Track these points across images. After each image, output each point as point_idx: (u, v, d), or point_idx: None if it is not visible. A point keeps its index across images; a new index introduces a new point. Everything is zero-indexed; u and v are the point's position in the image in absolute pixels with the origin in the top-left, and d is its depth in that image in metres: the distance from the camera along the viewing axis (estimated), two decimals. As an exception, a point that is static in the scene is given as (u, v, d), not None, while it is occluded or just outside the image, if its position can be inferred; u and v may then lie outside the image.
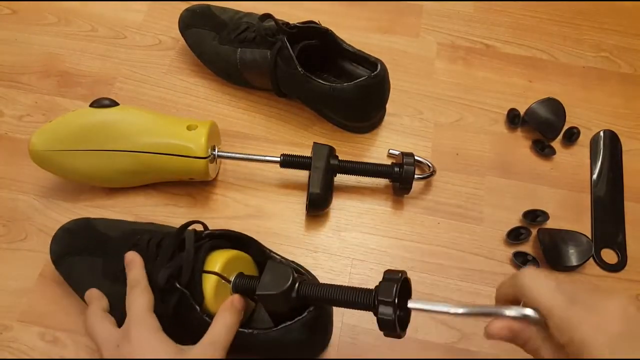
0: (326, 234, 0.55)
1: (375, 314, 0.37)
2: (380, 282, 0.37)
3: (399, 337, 0.37)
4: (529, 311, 0.33)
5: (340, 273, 0.53)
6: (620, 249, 0.55)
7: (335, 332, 0.49)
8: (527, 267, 0.36)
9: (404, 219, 0.56)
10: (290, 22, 0.57)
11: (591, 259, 0.54)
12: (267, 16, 0.58)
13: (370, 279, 0.52)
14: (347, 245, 0.54)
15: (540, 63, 0.68)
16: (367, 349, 0.49)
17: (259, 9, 0.62)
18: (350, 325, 0.49)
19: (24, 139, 0.60)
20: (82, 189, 0.56)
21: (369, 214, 0.56)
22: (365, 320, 0.49)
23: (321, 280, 0.46)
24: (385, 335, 0.38)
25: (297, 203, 0.57)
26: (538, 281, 0.34)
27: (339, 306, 0.40)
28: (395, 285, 0.36)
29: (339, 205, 0.57)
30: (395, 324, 0.36)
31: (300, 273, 0.45)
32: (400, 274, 0.37)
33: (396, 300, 0.36)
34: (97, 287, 0.46)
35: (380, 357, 0.48)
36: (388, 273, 0.38)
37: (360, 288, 0.39)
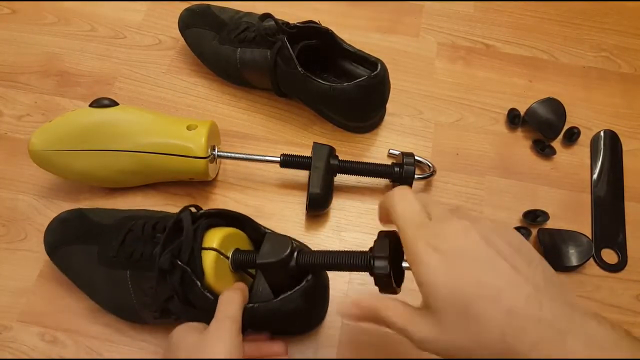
0: (326, 234, 0.55)
1: (372, 272, 0.37)
2: (374, 242, 0.38)
3: (395, 292, 0.38)
4: None
5: (341, 273, 0.52)
6: (621, 249, 0.55)
7: (335, 332, 0.49)
8: (399, 187, 0.37)
9: (404, 219, 0.56)
10: (290, 22, 0.57)
11: (591, 259, 0.54)
12: (267, 16, 0.58)
13: (370, 280, 0.52)
14: (347, 245, 0.54)
15: (541, 63, 0.68)
16: (367, 349, 0.48)
17: (259, 8, 0.62)
18: (351, 326, 0.49)
19: (23, 139, 0.60)
20: (82, 189, 0.56)
21: (369, 214, 0.56)
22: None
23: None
24: (381, 292, 0.38)
25: (297, 203, 0.57)
26: (404, 202, 0.35)
27: (338, 270, 0.41)
28: (389, 242, 0.37)
29: (339, 205, 0.57)
30: (390, 277, 0.36)
31: None
32: (393, 234, 0.38)
33: (389, 254, 0.36)
34: (93, 274, 0.46)
35: (380, 357, 0.48)
36: (381, 233, 0.39)
37: (356, 251, 0.40)
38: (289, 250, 0.40)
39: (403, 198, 0.35)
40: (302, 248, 0.45)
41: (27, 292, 0.51)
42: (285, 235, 0.43)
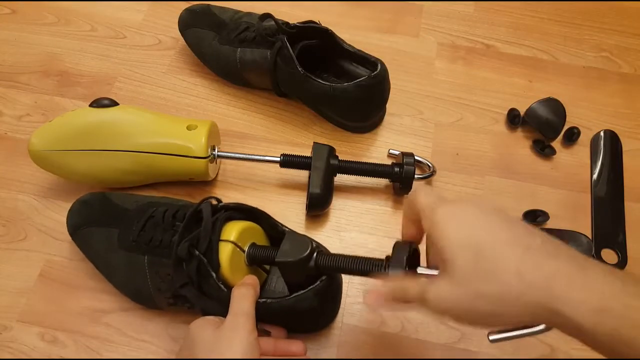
0: (326, 234, 0.55)
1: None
2: (391, 252, 0.38)
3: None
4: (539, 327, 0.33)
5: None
6: (620, 249, 0.55)
7: (335, 332, 0.49)
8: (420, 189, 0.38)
9: (404, 219, 0.56)
10: (290, 22, 0.57)
11: (591, 259, 0.54)
12: (267, 16, 0.58)
13: (370, 280, 0.52)
14: (347, 245, 0.54)
15: (541, 63, 0.68)
16: (367, 349, 0.48)
17: (259, 8, 0.62)
18: (351, 325, 0.49)
19: (23, 139, 0.60)
20: (82, 189, 0.56)
21: (369, 214, 0.56)
22: (365, 320, 0.49)
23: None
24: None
25: (297, 203, 0.57)
26: (425, 191, 0.37)
27: (354, 275, 0.41)
28: (406, 255, 0.37)
29: (339, 205, 0.57)
30: None
31: None
32: (409, 245, 0.38)
33: (406, 268, 0.37)
34: (113, 256, 0.47)
35: (380, 357, 0.48)
36: (398, 244, 0.39)
37: (373, 258, 0.41)
38: (308, 251, 0.41)
39: (424, 190, 0.37)
40: (321, 249, 0.45)
41: (27, 292, 0.51)
42: (305, 235, 0.43)
